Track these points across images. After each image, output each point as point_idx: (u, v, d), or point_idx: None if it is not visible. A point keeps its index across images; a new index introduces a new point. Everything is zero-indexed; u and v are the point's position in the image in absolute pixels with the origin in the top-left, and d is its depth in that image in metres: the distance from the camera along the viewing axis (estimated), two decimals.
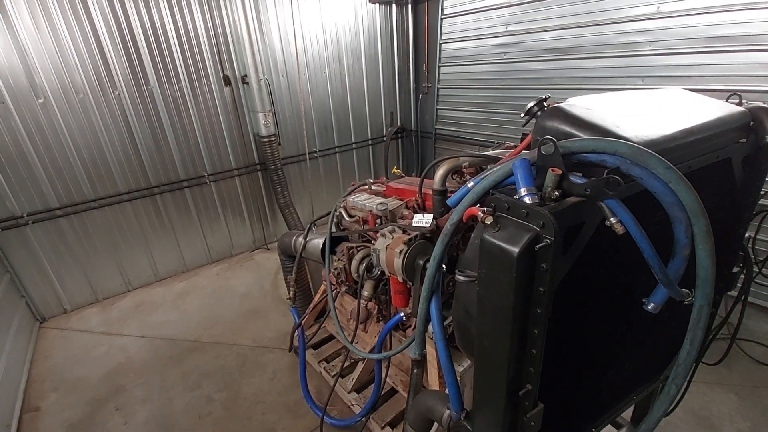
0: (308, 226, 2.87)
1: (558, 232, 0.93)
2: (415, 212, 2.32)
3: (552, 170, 1.02)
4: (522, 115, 1.40)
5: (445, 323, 2.26)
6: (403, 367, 2.78)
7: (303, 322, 2.96)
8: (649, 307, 1.12)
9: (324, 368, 2.98)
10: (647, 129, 1.15)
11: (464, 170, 2.19)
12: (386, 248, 2.02)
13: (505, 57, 4.99)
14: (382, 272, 2.56)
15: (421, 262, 1.95)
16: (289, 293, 2.89)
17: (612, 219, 0.97)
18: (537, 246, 0.94)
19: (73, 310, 4.21)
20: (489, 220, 1.03)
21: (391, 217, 2.34)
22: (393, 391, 2.75)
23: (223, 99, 4.60)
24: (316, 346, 3.22)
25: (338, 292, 2.84)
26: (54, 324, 4.01)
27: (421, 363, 2.48)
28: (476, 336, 1.26)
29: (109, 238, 4.24)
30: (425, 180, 2.37)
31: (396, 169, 3.14)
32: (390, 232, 2.10)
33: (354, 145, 5.99)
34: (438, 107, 6.15)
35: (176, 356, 3.45)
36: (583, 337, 1.43)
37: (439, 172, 2.11)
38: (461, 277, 1.22)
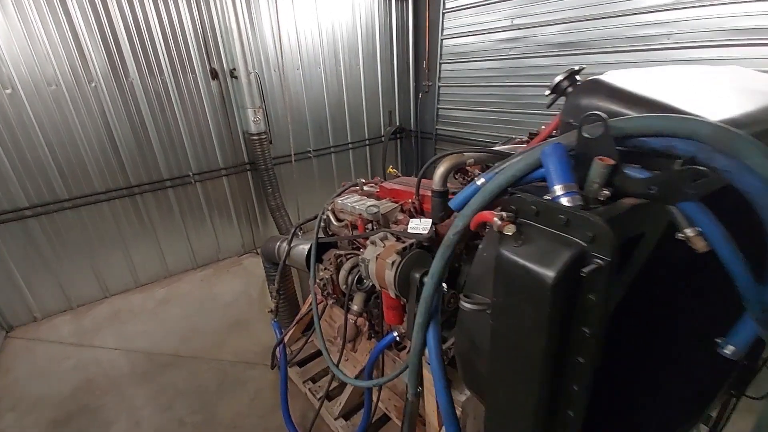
0: (292, 231, 2.58)
1: (615, 248, 0.64)
2: (411, 216, 2.03)
3: (600, 160, 0.72)
4: (547, 93, 1.11)
5: (445, 346, 1.97)
6: (398, 390, 2.48)
7: (286, 338, 2.66)
8: (726, 351, 0.82)
9: (309, 389, 2.68)
10: (721, 107, 0.85)
11: (468, 168, 1.91)
12: (376, 258, 1.73)
13: (510, 53, 4.71)
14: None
15: (417, 275, 1.65)
16: (270, 306, 2.60)
17: (688, 230, 0.67)
18: (584, 270, 0.65)
19: (43, 318, 3.90)
20: (510, 229, 0.74)
21: (383, 222, 2.05)
22: (385, 418, 2.44)
23: (210, 93, 4.31)
24: (301, 363, 2.92)
25: (325, 305, 2.55)
26: (21, 333, 3.71)
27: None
28: (488, 378, 0.97)
29: (85, 241, 3.94)
30: (423, 180, 2.08)
31: (392, 168, 2.84)
32: (381, 240, 1.81)
33: (350, 146, 5.70)
34: (439, 106, 5.87)
35: (150, 372, 3.14)
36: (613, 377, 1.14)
37: (440, 170, 1.82)
38: (468, 305, 0.92)
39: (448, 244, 1.00)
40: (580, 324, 0.71)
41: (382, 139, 6.01)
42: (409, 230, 1.82)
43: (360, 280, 2.15)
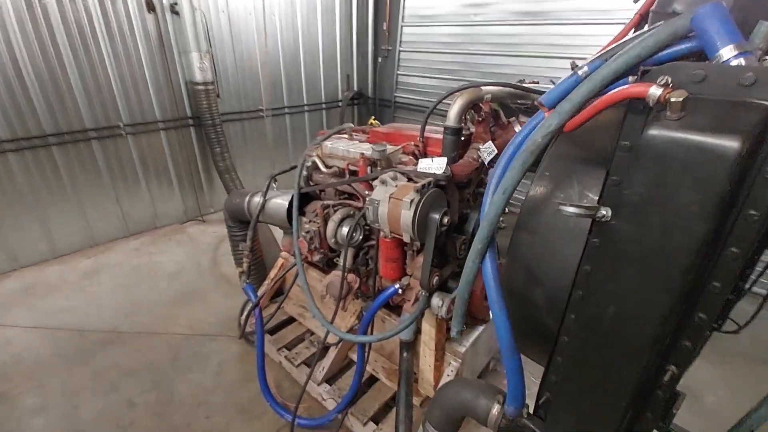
0: (267, 182, 2.28)
1: None
2: (417, 158, 1.88)
3: None
4: None
5: (449, 299, 1.86)
6: (385, 351, 2.36)
7: (262, 300, 2.37)
8: None
9: (285, 357, 2.45)
10: None
11: (482, 105, 1.79)
12: (390, 199, 1.55)
13: (475, 18, 4.66)
14: (365, 237, 2.10)
15: (437, 216, 1.51)
16: (242, 267, 2.30)
17: None
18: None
19: None
20: (679, 95, 0.61)
21: (386, 165, 1.86)
22: (372, 380, 2.32)
23: (146, 30, 3.67)
24: (272, 331, 2.66)
25: (308, 262, 2.31)
26: None
27: (411, 345, 2.09)
28: (578, 304, 0.86)
29: None
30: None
31: (374, 119, 2.63)
32: (392, 179, 1.63)
33: (306, 108, 5.32)
34: (399, 72, 5.69)
35: (84, 351, 2.66)
36: None
37: (456, 105, 1.68)
38: (571, 210, 0.78)
39: (533, 149, 0.85)
40: (746, 207, 0.62)
41: (339, 104, 5.69)
42: (420, 169, 1.67)
43: (353, 232, 1.97)
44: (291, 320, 2.75)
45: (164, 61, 3.86)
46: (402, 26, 5.39)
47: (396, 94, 5.81)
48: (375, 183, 1.65)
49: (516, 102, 1.90)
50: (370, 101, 6.03)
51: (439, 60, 5.17)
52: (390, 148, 1.90)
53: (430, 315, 1.88)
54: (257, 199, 2.35)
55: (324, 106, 5.53)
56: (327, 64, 5.35)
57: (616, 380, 0.80)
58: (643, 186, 0.67)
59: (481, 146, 1.77)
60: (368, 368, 2.30)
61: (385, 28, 5.55)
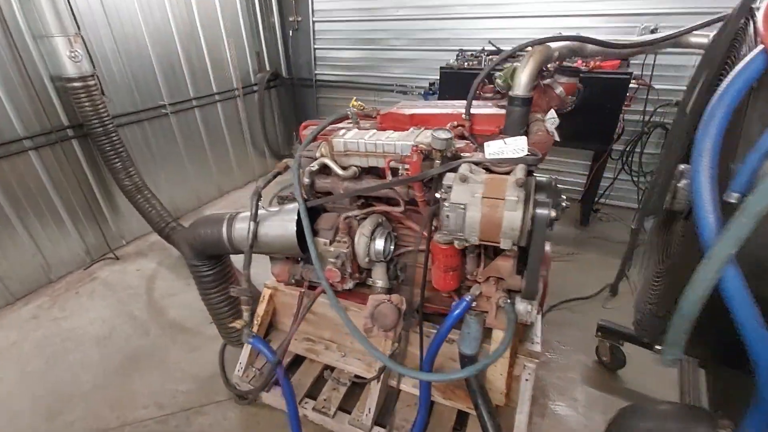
0: (255, 199, 1.69)
1: None
2: (468, 141, 1.52)
3: None
4: None
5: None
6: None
7: (285, 350, 1.80)
8: None
9: (314, 408, 1.96)
10: None
11: (547, 68, 1.49)
12: (483, 199, 1.19)
13: None
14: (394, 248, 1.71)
15: (546, 212, 1.20)
16: (240, 318, 1.70)
17: None
18: None
19: None
20: None
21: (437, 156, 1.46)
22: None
23: None
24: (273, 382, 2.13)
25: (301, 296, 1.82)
26: None
27: (475, 357, 1.80)
28: None
29: None
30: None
31: (355, 101, 2.17)
32: (471, 173, 1.25)
33: (217, 97, 4.42)
34: (316, 46, 5.07)
35: None
36: None
37: (528, 69, 1.35)
38: None
39: None
40: None
41: (255, 87, 4.88)
42: (489, 156, 1.33)
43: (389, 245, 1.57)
44: (297, 360, 2.24)
45: (13, 51, 2.73)
46: None
47: (317, 72, 5.21)
48: (449, 182, 1.26)
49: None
50: (288, 82, 5.32)
51: (362, 29, 4.71)
52: (429, 133, 1.50)
53: (503, 319, 1.60)
54: (242, 225, 1.75)
55: (237, 92, 4.68)
56: (232, 41, 4.48)
57: None
58: None
59: (543, 116, 1.50)
60: (407, 389, 1.97)
61: None
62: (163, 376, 2.36)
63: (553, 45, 1.36)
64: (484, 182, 1.23)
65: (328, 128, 1.84)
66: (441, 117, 1.60)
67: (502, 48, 3.72)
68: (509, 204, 1.16)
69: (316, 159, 1.68)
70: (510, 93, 1.38)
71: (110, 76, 3.35)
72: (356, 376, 2.07)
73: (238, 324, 1.70)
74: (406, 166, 1.46)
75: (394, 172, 1.47)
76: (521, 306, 1.51)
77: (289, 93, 5.43)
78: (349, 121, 1.79)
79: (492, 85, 1.78)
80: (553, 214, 1.23)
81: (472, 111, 1.56)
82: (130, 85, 3.51)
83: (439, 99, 3.65)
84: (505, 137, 1.32)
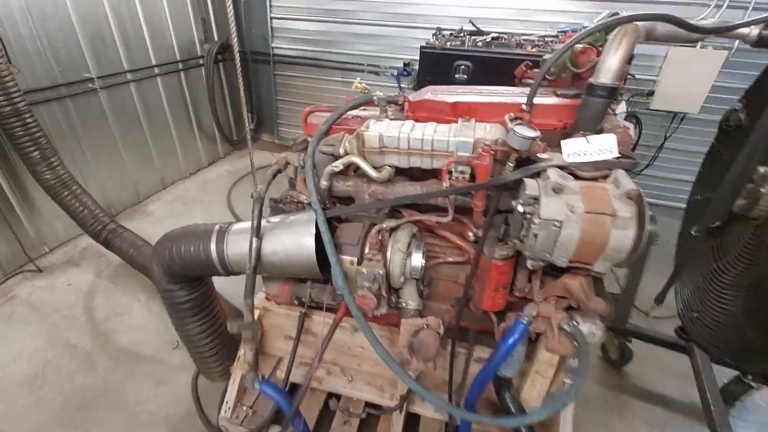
0: (258, 209, 1.31)
1: None
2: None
3: None
4: None
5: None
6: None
7: (303, 396, 1.45)
8: None
9: None
10: None
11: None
12: (586, 215, 0.96)
13: None
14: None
15: (654, 227, 1.01)
16: (245, 362, 1.32)
17: None
18: None
19: None
20: None
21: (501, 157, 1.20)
22: None
23: None
24: (278, 421, 1.80)
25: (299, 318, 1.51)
26: None
27: (511, 381, 1.62)
28: None
29: None
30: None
31: (359, 82, 1.84)
32: (564, 181, 1.02)
33: (156, 70, 3.73)
34: (273, 16, 4.49)
35: None
36: None
37: (620, 52, 1.14)
38: None
39: None
40: None
41: (200, 61, 4.21)
42: (569, 158, 1.10)
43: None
44: (292, 386, 1.91)
45: None
46: None
47: (274, 45, 4.63)
48: (534, 191, 1.01)
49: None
50: (240, 56, 4.66)
51: None
52: (489, 127, 1.23)
53: (568, 344, 1.43)
54: (238, 240, 1.36)
55: (181, 65, 4.00)
56: (172, 3, 3.77)
57: None
58: None
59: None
60: (434, 413, 1.75)
61: None
62: (125, 421, 1.91)
63: (640, 24, 1.14)
64: (581, 193, 1.00)
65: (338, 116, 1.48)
66: (492, 107, 1.33)
67: (482, 29, 3.51)
68: (621, 221, 0.95)
69: (336, 156, 1.34)
70: (592, 80, 1.15)
71: (18, 40, 2.60)
72: (368, 404, 1.81)
73: (240, 371, 1.34)
74: (461, 169, 1.20)
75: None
76: (585, 327, 1.33)
77: (242, 68, 4.78)
78: (370, 108, 1.46)
79: (537, 69, 1.54)
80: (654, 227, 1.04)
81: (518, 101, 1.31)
82: (44, 53, 2.78)
83: (417, 82, 3.37)
84: (586, 134, 1.10)
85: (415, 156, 1.25)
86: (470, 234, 1.43)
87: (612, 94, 1.13)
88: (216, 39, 4.36)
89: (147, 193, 3.88)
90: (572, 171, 1.08)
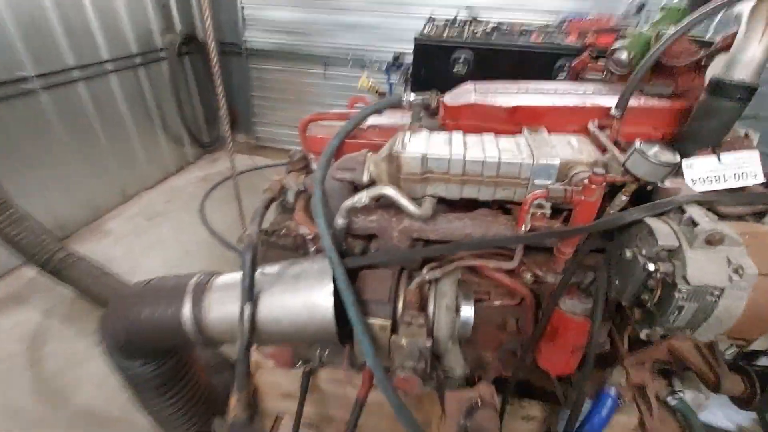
0: (248, 262, 0.93)
1: None
2: None
3: None
4: None
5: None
6: None
7: None
8: None
9: None
10: None
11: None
12: (761, 277, 0.64)
13: None
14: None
15: None
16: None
17: None
18: None
19: None
20: None
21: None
22: None
23: None
24: None
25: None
26: None
27: None
28: None
29: None
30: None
31: (366, 80, 1.47)
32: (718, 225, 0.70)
33: (109, 66, 3.21)
34: (243, 3, 4.00)
35: None
36: None
37: (765, 40, 0.81)
38: None
39: None
40: None
41: (162, 54, 3.69)
42: (697, 185, 0.78)
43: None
44: None
45: None
46: None
47: (248, 35, 4.15)
48: (671, 241, 0.69)
49: None
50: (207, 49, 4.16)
51: None
52: (575, 141, 0.89)
53: (672, 422, 1.12)
54: (221, 300, 0.98)
55: (139, 60, 3.47)
56: None
57: None
58: None
59: None
60: None
61: None
62: None
63: None
64: (745, 243, 0.68)
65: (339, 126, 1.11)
66: (565, 111, 1.00)
67: (479, 18, 3.18)
68: None
69: (357, 184, 0.98)
70: (721, 76, 0.82)
71: None
72: None
73: None
74: (539, 202, 0.85)
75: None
76: (689, 397, 1.04)
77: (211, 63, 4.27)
78: (389, 112, 1.09)
79: (601, 63, 1.22)
80: None
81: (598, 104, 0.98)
82: None
83: (413, 77, 3.01)
84: (718, 151, 0.78)
85: (471, 185, 0.90)
86: (528, 275, 1.10)
87: (751, 96, 0.81)
88: (178, 29, 3.83)
89: (106, 207, 3.38)
90: (711, 206, 0.76)
